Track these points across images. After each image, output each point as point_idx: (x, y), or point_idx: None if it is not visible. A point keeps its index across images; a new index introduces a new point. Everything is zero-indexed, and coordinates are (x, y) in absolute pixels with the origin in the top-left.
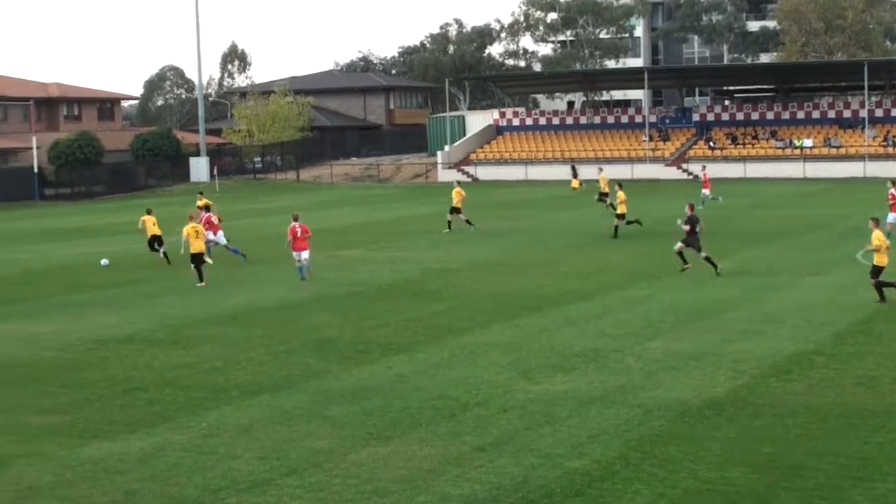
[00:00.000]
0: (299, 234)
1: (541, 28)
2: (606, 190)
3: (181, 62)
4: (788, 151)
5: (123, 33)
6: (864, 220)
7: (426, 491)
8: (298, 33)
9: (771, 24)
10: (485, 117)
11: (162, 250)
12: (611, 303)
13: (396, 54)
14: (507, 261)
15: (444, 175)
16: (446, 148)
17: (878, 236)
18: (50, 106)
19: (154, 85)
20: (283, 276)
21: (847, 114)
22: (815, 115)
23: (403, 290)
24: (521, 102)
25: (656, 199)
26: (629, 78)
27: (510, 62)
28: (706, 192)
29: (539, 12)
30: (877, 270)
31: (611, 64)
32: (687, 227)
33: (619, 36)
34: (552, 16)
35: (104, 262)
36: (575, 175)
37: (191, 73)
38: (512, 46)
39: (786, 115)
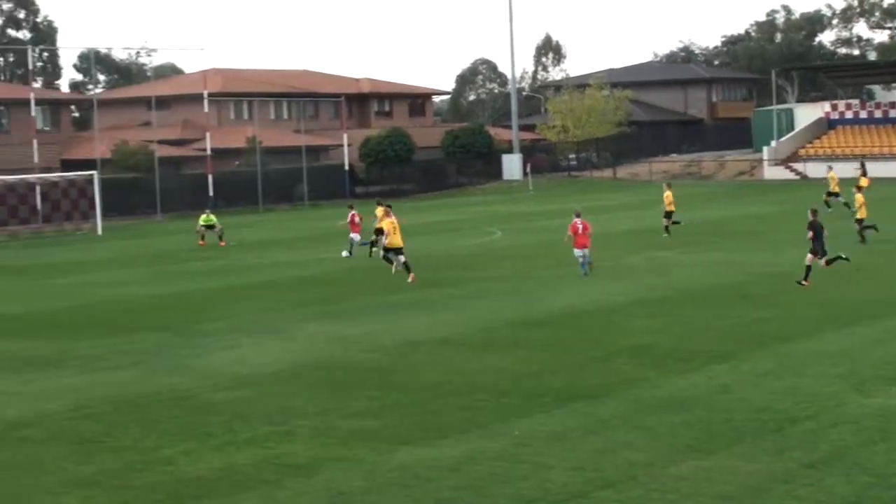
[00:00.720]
0: (580, 230)
1: (877, 14)
2: (837, 189)
3: (494, 55)
4: None
5: (435, 27)
6: None
7: None
8: (615, 23)
9: None
10: (814, 110)
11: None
12: None
13: (719, 44)
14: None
15: (771, 172)
16: (773, 143)
17: None
18: (361, 102)
19: (466, 79)
20: (599, 277)
21: None
22: None
23: (725, 294)
24: (854, 94)
25: None
26: None
27: (842, 51)
28: None
29: None
30: None
31: None
32: (811, 235)
33: None
34: (889, 0)
35: (344, 253)
36: (864, 173)
37: (503, 67)
38: (844, 34)
39: None
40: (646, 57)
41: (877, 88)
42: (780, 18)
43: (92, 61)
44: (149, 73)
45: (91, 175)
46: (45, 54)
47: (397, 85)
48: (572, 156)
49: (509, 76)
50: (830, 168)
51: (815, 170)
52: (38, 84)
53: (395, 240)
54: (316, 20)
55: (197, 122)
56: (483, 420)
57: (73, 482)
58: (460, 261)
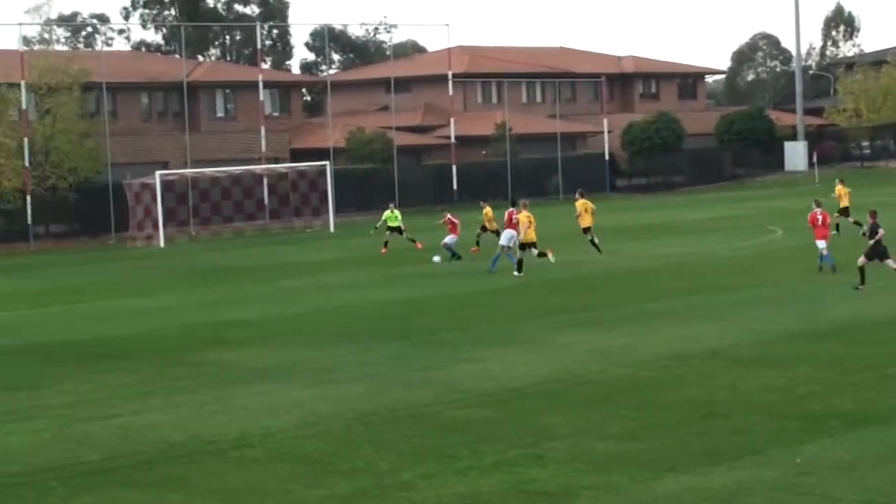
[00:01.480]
0: (819, 221)
1: None
2: (848, 204)
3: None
4: None
5: None
6: None
7: None
8: None
9: None
10: None
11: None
12: None
13: None
14: None
15: None
16: None
17: None
18: (624, 83)
19: (743, 56)
20: (891, 284)
21: None
22: None
23: None
24: None
25: None
26: None
27: None
28: None
29: None
30: None
31: None
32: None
33: None
34: None
35: (436, 258)
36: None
37: (787, 42)
38: None
39: None
40: None
41: None
42: None
43: (325, 39)
44: (387, 52)
45: (323, 166)
46: (275, 32)
47: (665, 63)
48: (866, 143)
49: (793, 53)
50: (840, 182)
51: None
52: (266, 65)
53: (531, 234)
54: None
55: (440, 106)
56: (759, 445)
57: None
58: (735, 263)
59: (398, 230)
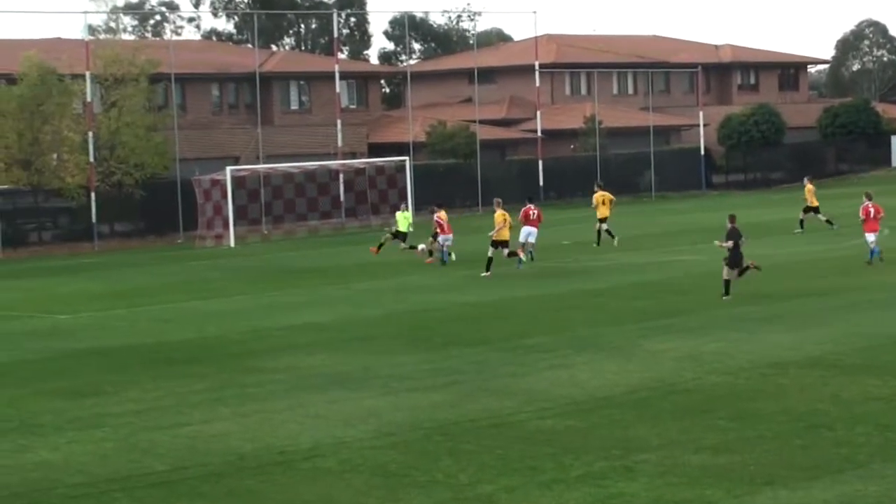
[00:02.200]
0: (872, 214)
1: None
2: (815, 203)
3: (883, 16)
4: None
5: None
6: None
7: None
8: None
9: None
10: None
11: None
12: None
13: None
14: None
15: None
16: None
17: None
18: (721, 73)
19: (848, 45)
20: None
21: None
22: None
23: None
24: None
25: None
26: None
27: None
28: None
29: None
30: None
31: None
32: (728, 244)
33: None
34: None
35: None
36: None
37: None
38: None
39: None
40: None
41: None
42: None
43: (406, 27)
44: (471, 41)
45: (402, 161)
46: (353, 20)
47: (765, 52)
48: None
49: None
50: (808, 180)
51: None
52: (343, 55)
53: (505, 233)
54: None
55: (526, 98)
56: (862, 458)
57: None
58: (837, 264)
59: (403, 236)
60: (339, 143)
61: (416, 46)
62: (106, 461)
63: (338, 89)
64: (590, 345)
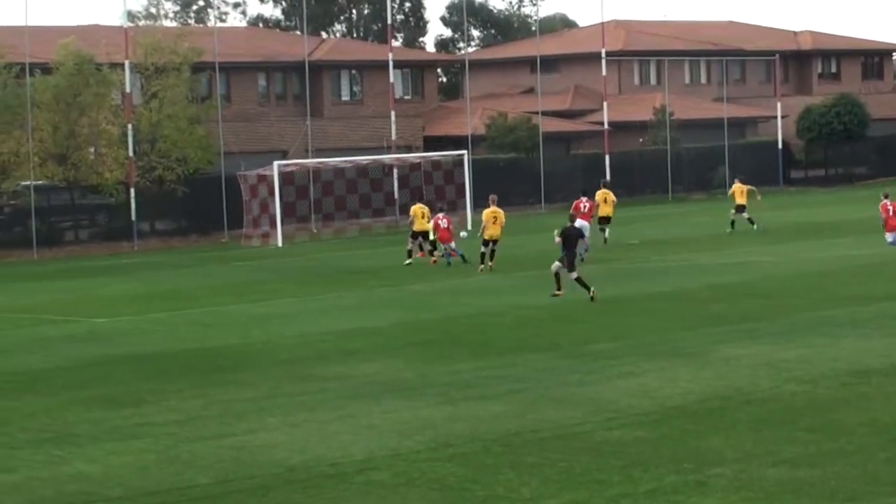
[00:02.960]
0: (891, 213)
1: None
2: (743, 201)
3: None
4: None
5: None
6: None
7: None
8: None
9: None
10: None
11: None
12: None
13: None
14: None
15: None
16: None
17: None
18: (800, 62)
19: None
20: None
21: None
22: None
23: None
24: None
25: None
26: None
27: None
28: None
29: None
30: None
31: None
32: (557, 241)
33: None
34: None
35: (463, 233)
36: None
37: None
38: None
39: None
40: None
41: None
42: None
43: (464, 13)
44: (533, 28)
45: (460, 155)
46: (407, 5)
47: (847, 39)
48: None
49: None
50: (739, 178)
51: None
52: (397, 42)
53: (497, 230)
54: None
55: (591, 88)
56: None
57: None
58: None
59: (425, 235)
60: (393, 136)
61: (475, 33)
62: (146, 474)
63: (392, 79)
64: (660, 351)
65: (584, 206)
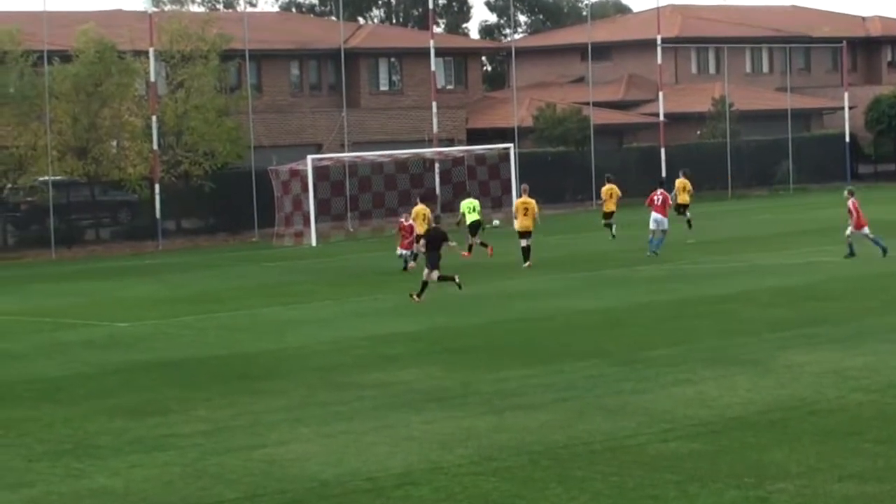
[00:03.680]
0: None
1: None
2: (687, 201)
3: None
4: None
5: None
6: None
7: None
8: None
9: None
10: None
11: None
12: None
13: None
14: None
15: None
16: None
17: None
18: (869, 49)
19: None
20: None
21: None
22: None
23: None
24: None
25: None
26: None
27: None
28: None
29: None
30: None
31: None
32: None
33: None
34: None
35: (495, 222)
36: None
37: None
38: None
39: None
40: None
41: None
42: None
43: None
44: (584, 13)
45: (506, 149)
46: None
47: None
48: None
49: None
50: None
51: None
52: (439, 28)
53: (527, 222)
54: None
55: (646, 77)
56: None
57: None
58: None
59: (477, 227)
60: (435, 128)
61: (522, 19)
62: (171, 488)
63: (433, 67)
64: (719, 358)
65: (658, 199)
